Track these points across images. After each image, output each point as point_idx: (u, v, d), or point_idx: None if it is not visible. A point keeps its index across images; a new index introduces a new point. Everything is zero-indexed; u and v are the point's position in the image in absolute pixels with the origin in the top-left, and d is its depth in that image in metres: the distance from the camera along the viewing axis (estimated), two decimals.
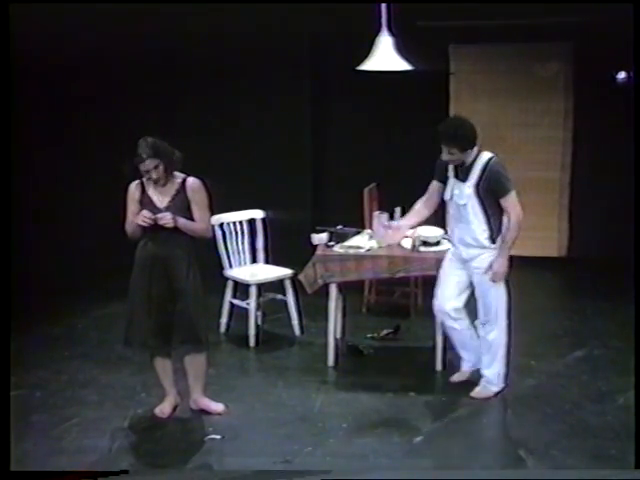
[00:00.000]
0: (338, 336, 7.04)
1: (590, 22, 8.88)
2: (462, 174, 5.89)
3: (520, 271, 9.74)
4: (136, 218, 5.50)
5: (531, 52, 10.04)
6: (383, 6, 6.62)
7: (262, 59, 9.64)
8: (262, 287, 7.55)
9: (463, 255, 6.02)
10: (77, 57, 9.43)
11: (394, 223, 6.25)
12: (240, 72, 9.79)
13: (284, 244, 8.06)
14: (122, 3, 7.96)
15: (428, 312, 6.61)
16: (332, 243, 6.75)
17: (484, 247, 5.89)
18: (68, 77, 9.71)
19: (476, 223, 5.87)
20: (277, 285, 7.59)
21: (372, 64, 6.77)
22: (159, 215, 5.45)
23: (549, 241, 10.44)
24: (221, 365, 6.80)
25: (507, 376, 6.20)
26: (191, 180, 5.62)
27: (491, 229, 5.87)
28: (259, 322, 7.52)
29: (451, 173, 5.98)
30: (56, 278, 9.40)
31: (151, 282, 5.57)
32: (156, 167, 5.43)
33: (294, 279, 7.36)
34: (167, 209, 5.51)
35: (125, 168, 5.49)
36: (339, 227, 6.63)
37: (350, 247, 6.68)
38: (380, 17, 6.65)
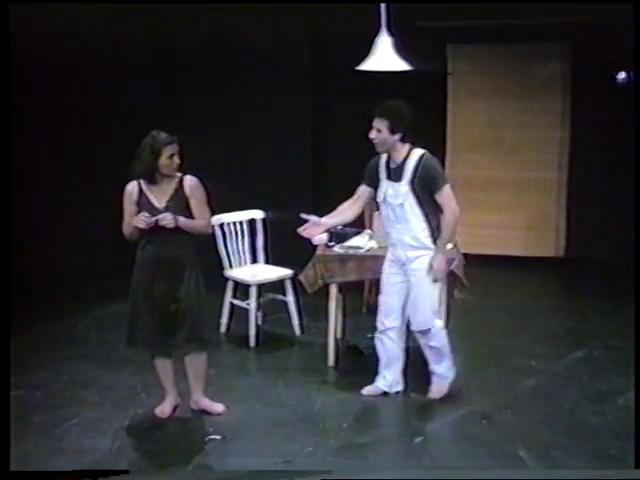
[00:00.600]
0: (338, 336, 7.05)
1: (589, 22, 8.90)
2: (395, 174, 5.81)
3: (518, 271, 9.90)
4: (135, 220, 5.47)
5: (529, 52, 10.06)
6: (382, 6, 6.63)
7: (262, 59, 9.64)
8: (262, 287, 7.56)
9: (402, 258, 5.92)
10: (78, 57, 9.42)
11: (314, 218, 6.01)
12: (240, 72, 9.78)
13: (284, 244, 8.04)
14: (122, 3, 7.94)
15: None
16: (332, 243, 6.76)
17: (425, 247, 5.81)
18: (68, 77, 9.71)
19: (415, 222, 5.78)
20: (277, 285, 7.60)
21: (371, 64, 6.78)
22: (159, 216, 5.43)
23: (547, 241, 10.46)
24: (221, 365, 6.80)
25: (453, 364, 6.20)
26: (189, 178, 5.61)
27: (431, 227, 5.79)
28: (259, 322, 7.53)
29: (383, 175, 5.90)
30: (56, 278, 9.42)
31: (153, 283, 5.56)
32: (178, 153, 5.46)
33: (294, 279, 7.37)
34: (166, 209, 5.49)
35: (146, 155, 5.45)
36: (339, 227, 6.62)
37: (350, 247, 6.69)
38: (380, 17, 6.66)
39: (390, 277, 6.06)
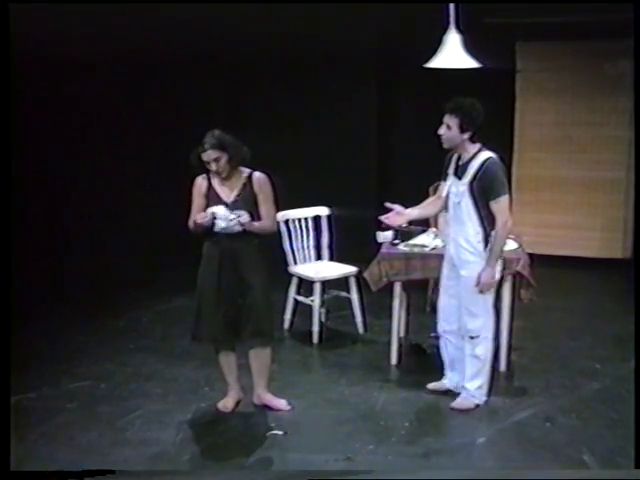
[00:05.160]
0: (402, 334, 7.04)
1: None
2: (460, 171, 5.72)
3: (584, 272, 9.76)
4: (198, 216, 5.47)
5: (599, 49, 9.90)
6: (451, 4, 6.58)
7: (327, 57, 9.62)
8: (326, 284, 7.57)
9: (454, 258, 5.86)
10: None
11: (397, 207, 5.99)
12: (306, 71, 9.79)
13: (349, 241, 8.06)
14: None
15: None
16: (397, 241, 6.74)
17: (477, 253, 5.69)
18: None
19: (469, 224, 5.68)
20: (341, 282, 7.60)
21: (440, 62, 6.73)
22: (238, 213, 5.45)
23: (614, 242, 10.29)
24: (284, 361, 6.82)
25: (490, 389, 6.09)
26: (257, 174, 5.62)
27: (485, 232, 5.66)
28: (323, 319, 7.53)
29: (451, 170, 5.82)
30: (122, 272, 9.54)
31: (220, 277, 5.59)
32: (217, 159, 5.42)
33: (358, 277, 7.36)
34: (234, 203, 5.51)
35: (192, 158, 5.50)
36: (404, 225, 6.59)
37: (415, 245, 6.67)
38: (448, 14, 6.60)
39: (446, 279, 6.02)
